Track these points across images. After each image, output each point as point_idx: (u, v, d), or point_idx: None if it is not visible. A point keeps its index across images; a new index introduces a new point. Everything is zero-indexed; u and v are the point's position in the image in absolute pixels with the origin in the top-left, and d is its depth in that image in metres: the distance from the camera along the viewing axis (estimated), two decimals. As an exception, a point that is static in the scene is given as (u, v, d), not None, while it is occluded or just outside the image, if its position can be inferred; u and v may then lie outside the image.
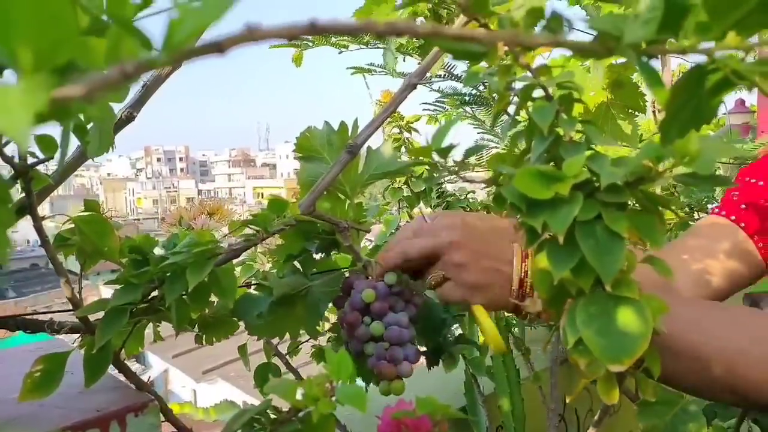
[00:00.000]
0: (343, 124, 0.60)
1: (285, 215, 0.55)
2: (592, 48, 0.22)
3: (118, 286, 0.56)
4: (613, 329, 0.32)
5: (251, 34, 0.16)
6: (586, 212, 0.33)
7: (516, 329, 1.10)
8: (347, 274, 0.67)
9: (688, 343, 0.52)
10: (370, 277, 0.61)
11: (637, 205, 0.36)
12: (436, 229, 0.59)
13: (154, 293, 0.57)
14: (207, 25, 0.16)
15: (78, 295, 0.56)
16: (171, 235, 0.59)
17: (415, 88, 0.53)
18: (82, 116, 0.46)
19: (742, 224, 0.72)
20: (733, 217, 0.73)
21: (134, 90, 0.69)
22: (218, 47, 0.16)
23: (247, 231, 0.62)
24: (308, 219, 0.55)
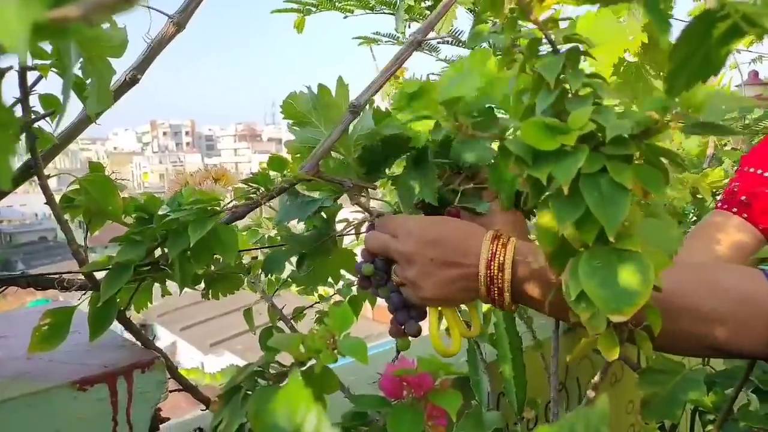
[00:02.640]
0: (340, 82, 0.59)
1: (286, 174, 0.55)
2: None
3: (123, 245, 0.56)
4: (615, 281, 0.32)
5: None
6: (591, 165, 0.33)
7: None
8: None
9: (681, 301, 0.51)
10: None
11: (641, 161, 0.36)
12: (395, 230, 0.56)
13: (158, 252, 0.57)
14: None
15: (83, 253, 0.57)
16: (174, 193, 0.59)
17: (419, 45, 0.52)
18: (80, 72, 0.45)
19: (745, 215, 0.73)
20: (734, 210, 0.74)
21: (139, 52, 0.69)
22: None
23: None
24: (311, 179, 0.55)
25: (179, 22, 0.65)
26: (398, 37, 1.13)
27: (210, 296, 0.77)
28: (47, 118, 0.56)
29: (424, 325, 0.61)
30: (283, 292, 0.98)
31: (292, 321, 0.93)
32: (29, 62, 0.51)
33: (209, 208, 0.53)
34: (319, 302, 0.98)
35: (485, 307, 1.02)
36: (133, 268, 0.54)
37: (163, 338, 13.65)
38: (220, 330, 11.69)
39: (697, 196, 1.10)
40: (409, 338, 0.61)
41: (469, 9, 0.93)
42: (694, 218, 1.24)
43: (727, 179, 1.08)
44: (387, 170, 0.64)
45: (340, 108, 0.58)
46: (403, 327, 0.60)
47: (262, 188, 0.56)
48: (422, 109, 0.40)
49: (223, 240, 0.55)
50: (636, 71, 0.82)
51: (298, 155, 0.59)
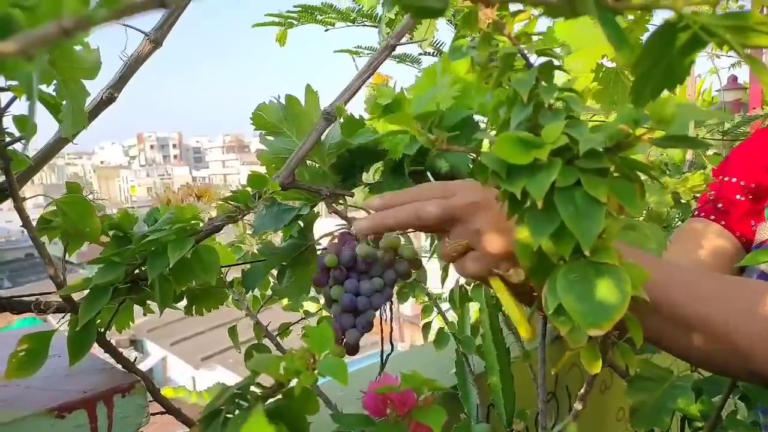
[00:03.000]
0: (309, 89, 0.59)
1: (266, 191, 0.55)
2: (556, 5, 0.21)
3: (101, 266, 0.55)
4: (592, 295, 0.32)
5: None
6: (565, 178, 0.32)
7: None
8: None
9: (695, 313, 0.46)
10: (359, 239, 0.60)
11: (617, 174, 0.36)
12: (452, 190, 0.51)
13: (137, 272, 0.56)
14: None
15: (62, 276, 0.56)
16: (151, 209, 0.59)
17: (393, 50, 0.52)
18: (54, 92, 0.45)
19: (723, 222, 0.74)
20: (712, 217, 0.75)
21: (115, 71, 0.68)
22: (162, 2, 0.16)
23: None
24: (287, 188, 0.55)
25: (156, 39, 0.64)
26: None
27: (193, 313, 0.77)
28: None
29: (365, 339, 0.60)
30: (273, 305, 0.97)
31: (277, 338, 0.92)
32: (1, 83, 0.50)
33: (189, 227, 0.53)
34: (305, 318, 0.98)
35: (473, 317, 1.02)
36: (111, 289, 0.53)
37: (154, 354, 13.52)
38: (210, 344, 11.58)
39: (681, 201, 1.11)
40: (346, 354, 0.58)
41: (449, 21, 0.94)
42: (679, 222, 1.26)
43: (706, 184, 1.09)
44: (363, 177, 0.64)
45: (311, 116, 0.58)
46: (343, 334, 0.57)
47: (243, 206, 0.56)
48: (397, 124, 0.39)
49: (203, 259, 0.54)
50: (615, 77, 0.82)
51: (273, 165, 0.58)
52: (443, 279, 1.01)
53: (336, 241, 0.65)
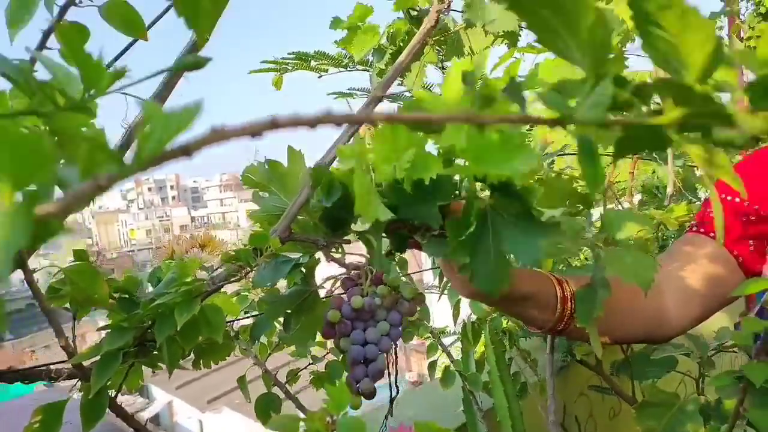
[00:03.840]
0: (291, 150, 0.62)
1: (267, 248, 0.56)
2: (543, 122, 0.23)
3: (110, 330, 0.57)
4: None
5: (217, 136, 0.18)
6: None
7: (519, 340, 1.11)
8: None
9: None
10: (362, 283, 0.61)
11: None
12: None
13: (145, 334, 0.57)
14: (175, 136, 0.17)
15: (72, 344, 0.57)
16: (154, 269, 0.60)
17: (380, 101, 0.55)
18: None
19: (721, 240, 0.74)
20: (712, 234, 0.75)
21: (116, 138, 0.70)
22: (186, 151, 0.18)
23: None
24: (285, 241, 0.57)
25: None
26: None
27: (201, 366, 0.77)
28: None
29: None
30: (277, 353, 0.98)
31: (286, 385, 0.92)
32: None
33: (194, 288, 0.54)
34: (312, 363, 0.98)
35: (477, 353, 1.02)
36: (122, 354, 0.55)
37: (159, 398, 13.32)
38: (216, 386, 11.43)
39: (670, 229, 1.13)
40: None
41: (437, 66, 0.97)
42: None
43: (689, 215, 1.11)
44: (353, 225, 0.65)
45: (296, 175, 0.60)
46: (357, 384, 0.58)
47: (245, 264, 0.57)
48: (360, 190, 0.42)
49: (210, 319, 0.56)
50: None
51: (267, 223, 0.60)
52: (455, 316, 1.02)
53: (339, 286, 0.67)
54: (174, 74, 0.69)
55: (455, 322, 0.99)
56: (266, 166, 0.62)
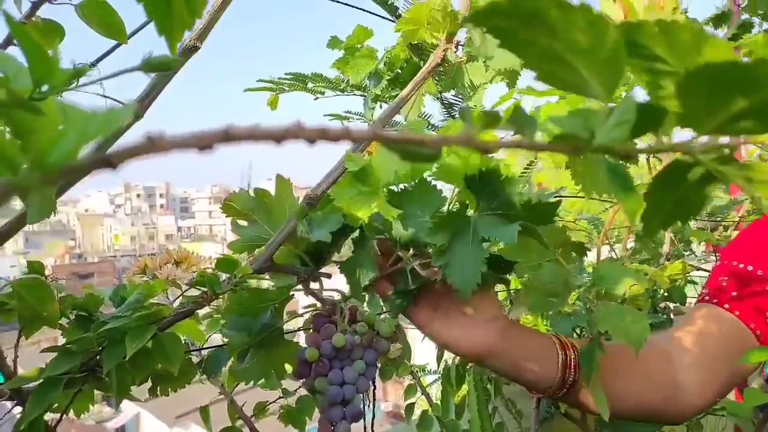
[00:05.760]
0: (279, 179, 0.58)
1: (236, 274, 0.52)
2: (559, 149, 0.20)
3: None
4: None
5: (152, 146, 0.14)
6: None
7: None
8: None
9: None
10: (335, 320, 0.58)
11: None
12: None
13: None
14: (92, 139, 0.13)
15: (12, 364, 0.51)
16: (117, 287, 0.55)
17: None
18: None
19: (737, 312, 0.69)
20: (726, 306, 0.70)
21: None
22: (108, 162, 0.13)
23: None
24: (259, 277, 0.53)
25: (136, 112, 0.62)
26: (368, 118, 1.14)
27: (158, 394, 0.72)
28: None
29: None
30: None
31: (253, 418, 0.86)
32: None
33: (151, 314, 0.49)
34: (283, 396, 0.92)
35: (458, 398, 0.97)
36: (64, 381, 0.49)
37: (127, 410, 12.96)
38: (186, 401, 11.15)
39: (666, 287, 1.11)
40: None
41: (436, 97, 0.94)
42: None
43: (683, 273, 1.07)
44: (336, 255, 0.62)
45: (284, 205, 0.56)
46: (333, 427, 0.55)
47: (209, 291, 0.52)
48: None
49: (166, 349, 0.50)
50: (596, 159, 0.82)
51: (246, 253, 0.56)
52: (439, 358, 0.97)
53: (312, 321, 0.63)
54: (160, 79, 0.64)
55: (438, 363, 0.94)
56: (252, 195, 0.58)
